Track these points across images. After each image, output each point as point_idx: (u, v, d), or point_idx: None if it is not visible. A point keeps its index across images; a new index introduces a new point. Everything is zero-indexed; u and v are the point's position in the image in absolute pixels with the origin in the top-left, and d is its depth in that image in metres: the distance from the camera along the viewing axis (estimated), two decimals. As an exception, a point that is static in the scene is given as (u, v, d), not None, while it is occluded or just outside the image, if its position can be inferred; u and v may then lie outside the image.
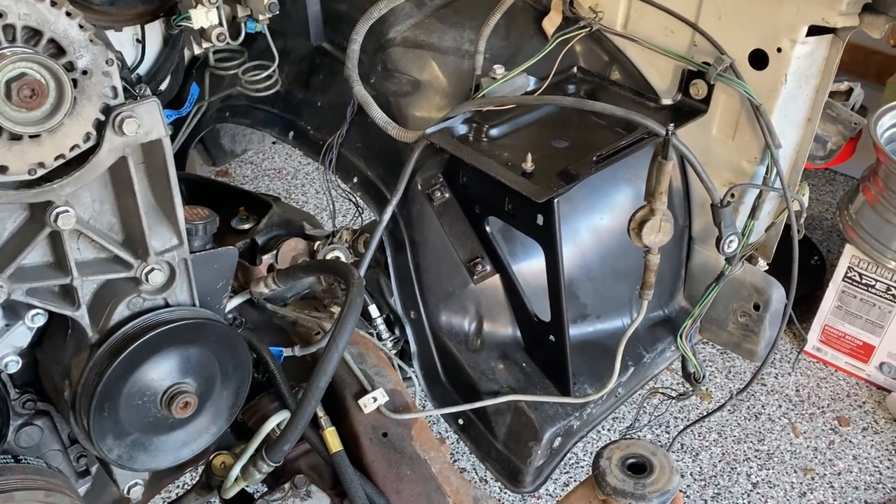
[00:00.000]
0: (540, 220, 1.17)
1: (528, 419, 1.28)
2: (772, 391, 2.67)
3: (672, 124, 1.05)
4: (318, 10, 1.46)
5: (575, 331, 1.38)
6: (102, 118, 0.89)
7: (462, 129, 1.27)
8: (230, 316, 1.31)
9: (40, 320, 0.99)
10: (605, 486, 1.21)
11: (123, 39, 1.73)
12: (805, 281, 2.83)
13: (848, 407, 2.61)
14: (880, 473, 2.42)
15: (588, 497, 1.25)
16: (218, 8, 1.41)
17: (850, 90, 2.54)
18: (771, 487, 2.35)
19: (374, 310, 1.38)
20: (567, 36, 1.34)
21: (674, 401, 1.59)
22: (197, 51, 1.52)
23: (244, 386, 1.14)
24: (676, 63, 1.31)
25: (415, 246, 1.33)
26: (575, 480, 2.31)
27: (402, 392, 1.30)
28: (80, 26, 0.84)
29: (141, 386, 1.02)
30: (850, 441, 2.49)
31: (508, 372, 1.33)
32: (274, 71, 1.53)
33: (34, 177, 0.87)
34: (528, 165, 1.17)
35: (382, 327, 1.38)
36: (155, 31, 1.76)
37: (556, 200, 1.13)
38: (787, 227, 1.33)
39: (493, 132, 1.26)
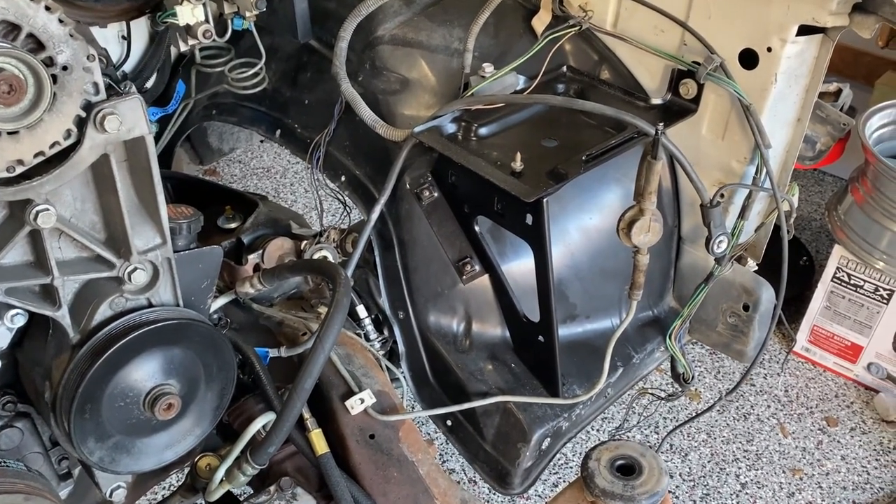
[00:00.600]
0: (529, 219, 1.16)
1: (517, 420, 1.27)
2: (761, 391, 2.67)
3: (662, 124, 1.05)
4: (306, 8, 1.44)
5: (564, 331, 1.37)
6: (83, 115, 0.88)
7: (451, 128, 1.25)
8: (215, 316, 1.30)
9: (20, 321, 0.98)
10: (593, 488, 1.20)
11: (108, 36, 1.70)
12: (794, 281, 2.83)
13: (836, 407, 2.61)
14: (868, 473, 2.42)
15: (577, 498, 1.24)
16: (204, 4, 1.39)
17: (839, 91, 2.55)
18: (759, 488, 2.35)
19: (361, 310, 1.36)
20: (556, 35, 1.33)
21: (663, 401, 1.58)
22: (183, 48, 1.51)
23: (229, 387, 1.13)
24: (666, 62, 1.30)
25: (403, 245, 1.32)
26: (564, 481, 2.30)
27: (390, 393, 1.29)
28: (60, 21, 0.82)
29: (123, 387, 1.01)
30: (839, 441, 2.50)
31: (497, 373, 1.32)
32: (261, 69, 1.52)
33: (13, 174, 0.85)
34: (518, 165, 1.16)
35: (370, 328, 1.36)
36: (141, 28, 1.73)
37: (545, 200, 1.12)
38: (777, 228, 1.32)
39: (482, 131, 1.25)
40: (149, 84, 1.81)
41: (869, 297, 2.51)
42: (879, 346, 2.56)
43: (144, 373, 1.02)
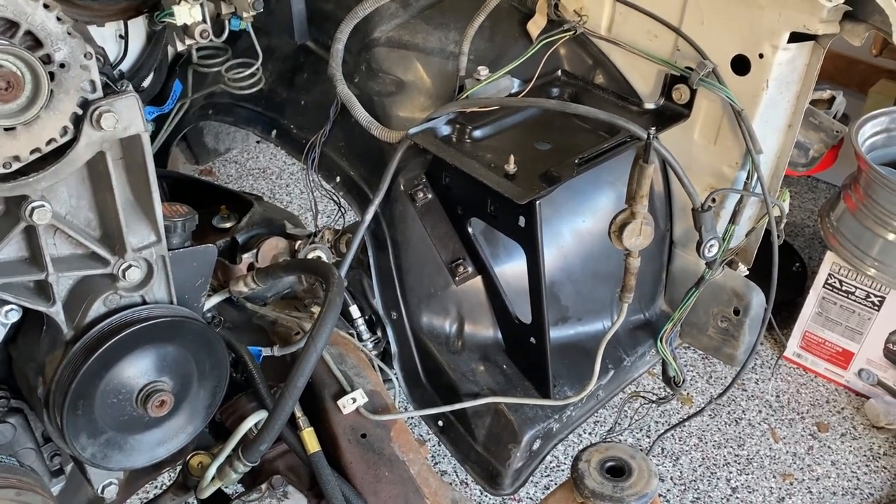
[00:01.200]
0: (522, 221, 1.17)
1: (508, 421, 1.28)
2: (752, 396, 2.68)
3: (654, 128, 1.06)
4: (303, 9, 1.45)
5: (556, 333, 1.38)
6: (80, 112, 0.88)
7: (445, 130, 1.26)
8: (209, 315, 1.30)
9: (14, 316, 0.98)
10: (583, 489, 1.21)
11: (106, 35, 1.71)
12: (786, 287, 2.85)
13: (827, 413, 2.62)
14: (858, 479, 2.44)
15: (567, 500, 1.25)
16: (202, 4, 1.40)
17: (833, 98, 2.57)
18: (750, 492, 2.36)
19: (355, 310, 1.37)
20: (551, 39, 1.34)
21: (654, 405, 1.59)
22: (180, 47, 1.51)
23: (221, 385, 1.13)
24: (659, 68, 1.32)
25: (397, 246, 1.33)
26: (556, 484, 2.31)
27: (382, 393, 1.29)
28: (58, 19, 0.83)
29: (116, 384, 1.01)
30: (829, 447, 2.51)
31: (489, 374, 1.33)
32: (258, 69, 1.52)
33: (9, 170, 0.86)
34: (511, 167, 1.17)
35: (363, 328, 1.37)
36: (138, 28, 1.74)
37: (538, 202, 1.13)
38: (768, 233, 1.33)
39: (477, 133, 1.26)
40: (146, 83, 1.82)
41: (860, 303, 2.53)
42: (870, 353, 2.58)
43: (137, 370, 1.02)
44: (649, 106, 1.35)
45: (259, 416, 1.16)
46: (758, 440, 2.53)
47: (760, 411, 2.63)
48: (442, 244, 1.31)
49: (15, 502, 0.98)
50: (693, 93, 1.28)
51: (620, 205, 1.20)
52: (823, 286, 2.59)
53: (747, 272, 1.46)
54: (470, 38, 1.29)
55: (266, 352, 1.29)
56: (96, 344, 0.98)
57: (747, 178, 1.27)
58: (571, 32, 1.35)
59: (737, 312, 1.40)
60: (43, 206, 0.90)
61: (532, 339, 1.27)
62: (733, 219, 1.30)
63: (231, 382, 1.34)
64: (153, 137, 1.75)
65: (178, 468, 1.30)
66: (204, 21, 1.42)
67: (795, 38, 1.16)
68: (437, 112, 1.27)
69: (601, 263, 1.40)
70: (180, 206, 1.17)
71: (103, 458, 1.05)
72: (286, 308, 1.39)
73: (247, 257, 1.37)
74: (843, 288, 2.54)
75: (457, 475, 2.30)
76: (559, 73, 1.43)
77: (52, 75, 0.83)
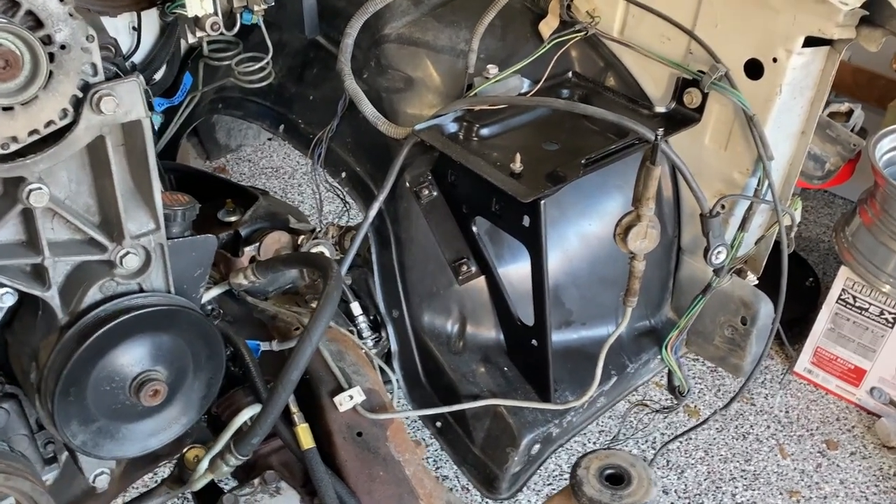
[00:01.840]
0: (526, 221, 1.15)
1: (507, 424, 1.26)
2: (761, 412, 2.64)
3: (661, 130, 1.04)
4: (314, 4, 1.45)
5: (559, 337, 1.36)
6: (80, 95, 0.88)
7: (452, 128, 1.25)
8: (209, 307, 1.29)
9: (9, 300, 0.97)
10: (581, 496, 1.19)
11: (119, 26, 1.72)
12: (799, 302, 2.81)
13: (837, 430, 2.58)
14: (866, 499, 2.39)
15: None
16: (214, -4, 1.40)
17: (851, 111, 2.54)
18: (756, 508, 2.32)
19: (356, 307, 1.36)
20: (562, 39, 1.32)
21: (658, 414, 1.57)
22: (191, 39, 1.51)
23: (217, 377, 1.12)
24: (671, 71, 1.30)
25: (400, 244, 1.32)
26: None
27: (380, 392, 1.28)
28: (61, 0, 0.82)
29: (109, 371, 1.00)
30: (838, 465, 2.46)
31: (489, 375, 1.31)
32: (267, 63, 1.52)
33: (7, 151, 0.85)
34: (517, 166, 1.15)
35: (364, 325, 1.36)
36: (152, 20, 1.74)
37: (542, 202, 1.12)
38: (778, 243, 1.31)
39: (484, 132, 1.25)
40: (158, 76, 1.82)
41: (874, 320, 2.49)
42: (883, 371, 2.53)
43: (131, 358, 1.01)
44: (660, 109, 1.33)
45: (254, 410, 1.15)
46: (765, 456, 2.49)
47: (769, 426, 2.59)
48: (446, 242, 1.29)
49: (3, 487, 0.97)
50: (704, 97, 1.26)
51: (628, 209, 1.18)
52: (837, 302, 2.55)
53: (756, 281, 1.43)
54: (479, 36, 1.28)
55: (265, 346, 1.28)
56: (90, 330, 0.97)
57: (758, 185, 1.25)
58: (583, 33, 1.33)
59: (744, 322, 1.38)
60: (40, 188, 0.90)
61: (534, 342, 1.26)
62: (742, 226, 1.27)
63: (230, 376, 1.33)
64: (163, 130, 1.75)
65: (175, 461, 1.29)
66: (215, 13, 1.42)
67: (810, 42, 1.14)
68: (444, 109, 1.26)
69: (607, 268, 1.38)
70: (181, 195, 1.16)
71: (94, 447, 1.04)
72: (287, 303, 1.38)
73: (249, 250, 1.36)
74: (857, 304, 2.50)
75: (458, 480, 2.27)
76: (570, 74, 1.41)
77: (51, 56, 0.83)
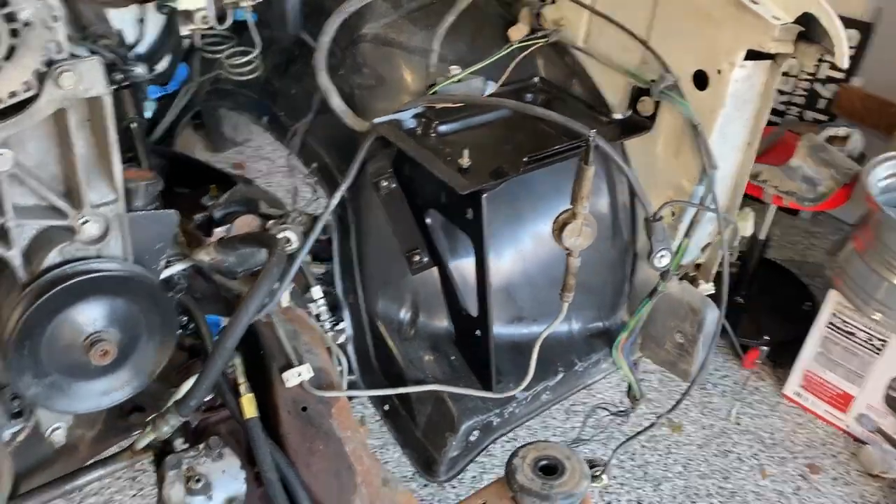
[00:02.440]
0: (470, 213, 1.20)
1: (447, 409, 1.31)
2: (745, 431, 2.64)
3: (594, 130, 1.08)
4: (298, 2, 1.52)
5: (509, 331, 1.41)
6: (44, 70, 0.96)
7: (411, 123, 1.31)
8: (177, 279, 1.36)
9: (-24, 258, 1.05)
10: (513, 483, 1.23)
11: (126, 18, 1.81)
12: (795, 325, 2.81)
13: (821, 455, 2.57)
14: (843, 525, 2.38)
15: (499, 493, 1.27)
16: (205, -9, 1.48)
17: (848, 136, 2.54)
18: (729, 525, 2.32)
19: (317, 291, 1.42)
20: (525, 44, 1.38)
21: (615, 416, 1.60)
22: (183, 31, 1.59)
23: (168, 345, 1.18)
24: (629, 80, 1.34)
25: (360, 232, 1.38)
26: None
27: (330, 372, 1.34)
28: (26, -19, 0.90)
29: (63, 329, 1.07)
30: (818, 489, 2.45)
31: (436, 363, 1.36)
32: (255, 58, 1.60)
33: (-28, 117, 0.94)
34: (465, 161, 1.20)
35: (323, 309, 1.42)
36: (157, 13, 1.84)
37: (484, 196, 1.17)
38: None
39: (442, 128, 1.31)
40: (160, 66, 1.92)
41: (862, 345, 2.48)
42: (871, 398, 2.52)
43: (84, 318, 1.09)
44: (617, 116, 1.38)
45: (200, 378, 1.21)
46: (745, 475, 2.49)
47: (752, 446, 2.59)
48: (401, 233, 1.35)
49: (-45, 429, 1.05)
50: (656, 105, 1.30)
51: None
52: (826, 326, 2.54)
53: (712, 290, 1.46)
54: (441, 37, 1.34)
55: (224, 322, 1.35)
56: (46, 288, 1.04)
57: (704, 195, 1.28)
58: (545, 39, 1.38)
59: (692, 327, 1.40)
60: (3, 154, 0.98)
61: (477, 332, 1.30)
62: (687, 233, 1.31)
63: (192, 348, 1.40)
64: (158, 118, 1.84)
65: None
66: (205, 8, 1.50)
67: (753, 56, 1.17)
68: (405, 105, 1.32)
69: (561, 269, 1.42)
70: (146, 171, 1.23)
71: (46, 399, 1.11)
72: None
73: (219, 231, 1.43)
74: (846, 329, 2.50)
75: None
76: (536, 80, 1.46)
77: (14, 31, 0.91)
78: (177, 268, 1.33)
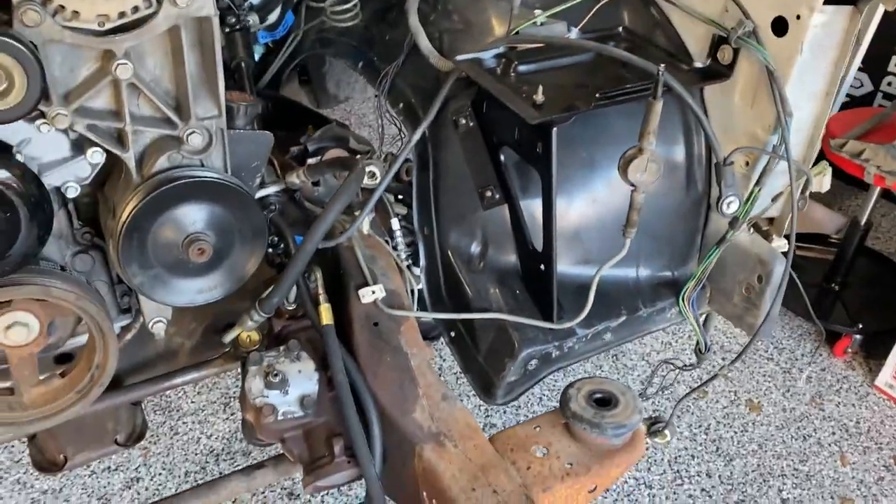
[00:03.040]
0: (539, 147, 1.26)
1: (508, 337, 1.37)
2: (828, 418, 2.57)
3: (663, 65, 1.11)
4: (395, -49, 1.61)
5: (576, 271, 1.45)
6: (162, -11, 1.09)
7: (491, 63, 1.37)
8: (271, 202, 1.48)
9: (98, 157, 1.20)
10: (566, 410, 1.29)
11: (242, -30, 1.96)
12: (892, 315, 2.70)
13: (910, 449, 2.47)
14: (925, 518, 2.29)
15: (554, 420, 1.33)
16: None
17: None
18: (801, 507, 2.28)
19: (395, 223, 1.51)
20: (608, -9, 1.41)
21: (680, 371, 1.62)
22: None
23: (257, 254, 1.30)
24: (709, 28, 1.35)
25: (437, 168, 1.46)
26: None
27: (402, 295, 1.43)
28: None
29: (166, 226, 1.21)
30: (903, 482, 2.36)
31: (502, 296, 1.42)
32: (354, 5, 1.71)
33: (102, 28, 1.08)
34: (539, 97, 1.26)
35: (400, 240, 1.51)
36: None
37: (553, 129, 1.22)
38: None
39: (521, 69, 1.36)
40: (272, 17, 2.06)
41: (962, 337, 2.36)
42: (969, 393, 2.40)
43: (186, 218, 1.22)
44: (698, 65, 1.39)
45: (284, 285, 1.33)
46: (823, 460, 2.43)
47: (834, 433, 2.52)
48: (476, 170, 1.42)
49: (74, 305, 1.20)
50: (735, 54, 1.31)
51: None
52: (924, 314, 2.44)
53: (785, 246, 1.45)
54: (524, -22, 1.40)
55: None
56: (155, 188, 1.18)
57: (778, 143, 1.29)
58: (629, -13, 1.41)
59: (760, 280, 1.41)
60: (126, 63, 1.11)
61: (542, 266, 1.36)
62: (758, 181, 1.31)
63: (280, 266, 1.53)
64: (266, 63, 1.98)
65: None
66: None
67: (833, 0, 1.17)
68: (487, 45, 1.38)
69: (632, 215, 1.45)
70: (248, 95, 1.36)
71: (150, 290, 1.25)
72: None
73: (311, 161, 1.55)
74: (946, 318, 2.38)
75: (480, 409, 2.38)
76: (621, 29, 1.49)
77: (140, -44, 1.04)
78: (271, 189, 1.46)
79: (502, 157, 1.40)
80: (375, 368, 1.33)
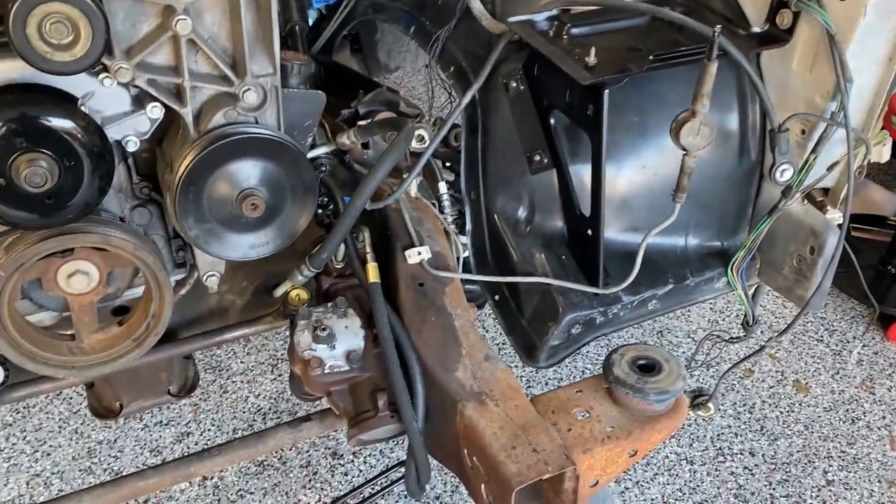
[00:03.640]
0: (590, 110, 1.25)
1: (553, 301, 1.38)
2: (879, 401, 2.52)
3: (719, 26, 1.10)
4: (450, -87, 1.60)
5: (623, 238, 1.45)
6: (219, -52, 1.11)
7: (544, 25, 1.37)
8: (322, 160, 1.51)
9: (157, 113, 1.24)
10: (609, 375, 1.29)
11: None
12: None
13: (965, 437, 2.40)
14: (977, 506, 2.23)
15: (595, 385, 1.34)
16: None
17: None
18: (847, 489, 2.24)
19: (442, 186, 1.52)
20: (667, -45, 1.39)
21: (727, 343, 1.60)
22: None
23: (308, 212, 1.33)
24: (769, -8, 1.33)
25: (486, 131, 1.46)
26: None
27: (447, 257, 1.44)
28: None
29: (221, 181, 1.24)
30: (955, 469, 2.30)
31: (547, 260, 1.43)
32: (407, -30, 1.71)
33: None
34: (592, 59, 1.25)
35: (447, 203, 1.52)
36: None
37: (605, 91, 1.21)
38: None
39: (574, 31, 1.35)
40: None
41: None
42: None
43: (240, 174, 1.25)
44: (755, 30, 1.36)
45: (333, 243, 1.36)
46: (872, 444, 2.38)
47: (885, 417, 2.47)
48: (525, 134, 1.42)
49: (132, 255, 1.25)
50: (795, 17, 1.28)
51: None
52: None
53: (840, 219, 1.42)
54: (579, -59, 1.38)
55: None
56: (211, 142, 1.21)
57: (836, 110, 1.26)
58: (687, -50, 1.39)
59: (812, 251, 1.38)
60: (185, 19, 1.14)
61: (589, 231, 1.36)
62: (814, 149, 1.29)
63: (329, 228, 1.55)
64: (321, 27, 1.99)
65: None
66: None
67: (901, -40, 1.13)
68: (540, 7, 1.38)
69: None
70: (302, 54, 1.38)
71: (204, 243, 1.29)
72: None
73: (361, 124, 1.56)
74: None
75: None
76: (678, -6, 1.47)
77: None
78: (321, 150, 1.48)
79: (552, 121, 1.39)
80: (420, 327, 1.35)
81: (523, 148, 1.43)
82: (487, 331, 2.60)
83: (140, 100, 1.23)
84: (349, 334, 1.34)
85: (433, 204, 1.50)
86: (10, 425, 2.33)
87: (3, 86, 1.10)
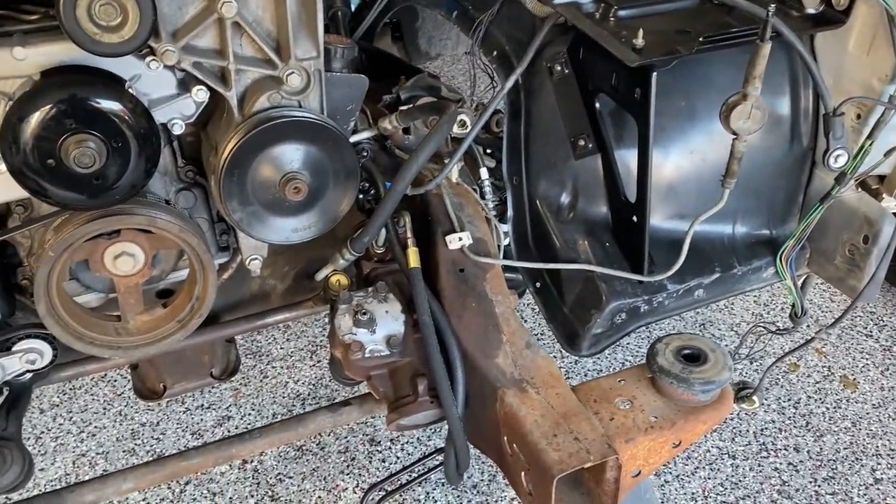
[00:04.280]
0: (638, 93, 1.23)
1: (596, 288, 1.35)
2: (932, 400, 2.44)
3: (773, 6, 1.06)
4: None
5: (668, 226, 1.42)
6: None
7: (590, 7, 1.34)
8: (364, 145, 1.50)
9: (202, 96, 1.24)
10: (653, 364, 1.27)
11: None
12: None
13: None
14: None
15: (639, 374, 1.32)
16: None
17: None
18: (896, 488, 2.18)
19: (484, 172, 1.51)
20: (716, -65, 1.35)
21: (773, 335, 1.57)
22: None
23: (349, 197, 1.33)
24: (825, -29, 1.28)
25: (529, 116, 1.44)
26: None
27: (488, 242, 1.43)
28: None
29: (264, 164, 1.24)
30: None
31: (590, 247, 1.41)
32: (451, -46, 1.69)
33: (208, -32, 1.11)
34: (639, 42, 1.22)
35: (488, 188, 1.51)
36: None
37: (653, 73, 1.19)
38: None
39: (621, 13, 1.32)
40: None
41: None
42: None
43: (283, 157, 1.25)
44: (810, 11, 1.32)
45: (373, 228, 1.35)
46: (923, 442, 2.31)
47: (937, 416, 2.39)
48: (569, 118, 1.40)
49: (177, 237, 1.26)
50: (853, -2, 1.24)
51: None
52: None
53: (895, 205, 1.38)
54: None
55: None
56: (255, 126, 1.22)
57: (894, 93, 1.21)
58: (739, -70, 1.34)
59: (865, 241, 1.34)
60: (231, 2, 1.14)
61: (634, 218, 1.33)
62: (871, 134, 1.24)
63: (369, 212, 1.55)
64: (360, 17, 1.99)
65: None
66: None
67: (968, -64, 1.09)
68: (587, -10, 1.35)
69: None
70: (345, 38, 1.37)
71: (248, 226, 1.29)
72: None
73: (403, 108, 1.55)
74: None
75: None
76: (728, -25, 1.43)
77: None
78: (363, 135, 1.48)
79: (597, 105, 1.37)
80: (460, 313, 1.34)
81: (567, 133, 1.41)
82: (526, 321, 2.58)
83: (185, 83, 1.24)
84: (389, 319, 1.34)
85: (474, 190, 1.49)
86: (57, 405, 2.39)
87: (53, 68, 1.12)
